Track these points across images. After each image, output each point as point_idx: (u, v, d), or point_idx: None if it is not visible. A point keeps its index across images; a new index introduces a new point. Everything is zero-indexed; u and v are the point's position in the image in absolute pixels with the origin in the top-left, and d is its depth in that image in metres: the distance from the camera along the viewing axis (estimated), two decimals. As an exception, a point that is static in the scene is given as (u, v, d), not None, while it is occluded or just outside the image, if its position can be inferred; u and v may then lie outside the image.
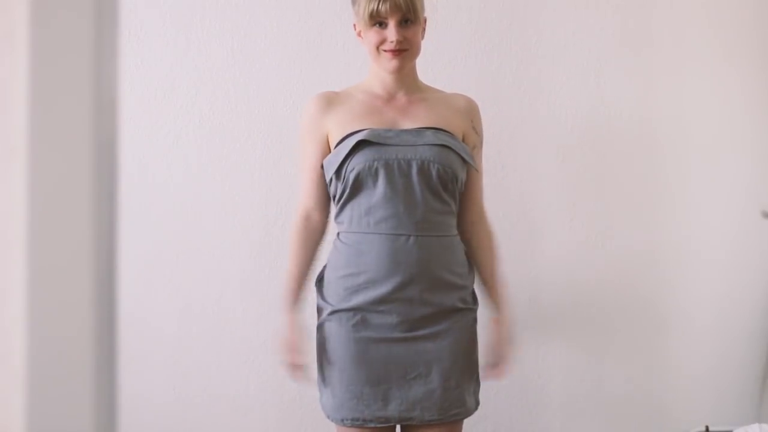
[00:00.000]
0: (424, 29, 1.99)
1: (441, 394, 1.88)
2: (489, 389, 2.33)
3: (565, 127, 2.52)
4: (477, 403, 1.97)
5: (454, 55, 2.48)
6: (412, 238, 1.87)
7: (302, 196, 1.99)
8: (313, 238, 2.00)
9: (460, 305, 1.92)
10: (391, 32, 1.89)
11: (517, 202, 2.49)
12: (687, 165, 2.57)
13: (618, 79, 2.53)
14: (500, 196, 2.41)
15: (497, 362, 1.99)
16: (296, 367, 1.94)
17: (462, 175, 1.93)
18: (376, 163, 1.86)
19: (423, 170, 1.86)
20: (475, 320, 1.96)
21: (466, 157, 1.92)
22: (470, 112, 2.01)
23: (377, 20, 1.90)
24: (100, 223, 0.72)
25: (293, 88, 2.47)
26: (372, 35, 1.92)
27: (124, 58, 2.38)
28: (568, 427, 2.53)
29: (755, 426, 2.28)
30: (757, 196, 2.58)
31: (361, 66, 2.46)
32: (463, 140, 1.98)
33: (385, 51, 1.92)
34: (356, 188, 1.89)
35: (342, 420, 1.91)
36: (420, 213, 1.87)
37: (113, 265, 0.75)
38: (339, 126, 1.94)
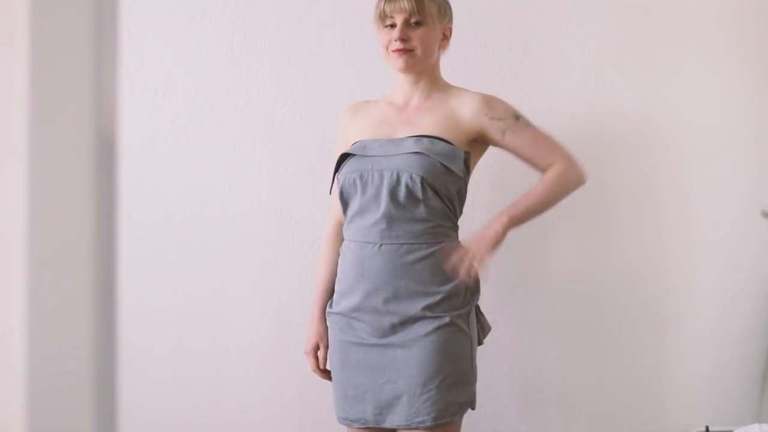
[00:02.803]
0: (446, 37, 2.03)
1: (407, 401, 1.90)
2: (489, 389, 2.33)
3: (565, 128, 2.52)
4: (455, 411, 1.91)
5: (454, 55, 2.47)
6: (376, 247, 1.92)
7: (334, 204, 2.09)
8: (339, 244, 2.08)
9: (429, 314, 1.89)
10: (396, 31, 1.95)
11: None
12: (687, 164, 2.56)
13: (618, 79, 2.53)
14: (500, 196, 2.40)
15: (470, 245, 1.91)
16: (323, 372, 2.09)
17: (445, 181, 1.91)
18: (353, 175, 1.94)
19: (392, 180, 1.90)
20: (453, 327, 1.90)
21: (448, 164, 1.91)
22: (482, 108, 1.99)
23: (387, 21, 1.96)
24: (100, 222, 0.72)
25: (293, 88, 2.47)
26: (383, 36, 1.99)
27: (124, 58, 2.38)
28: (568, 427, 2.53)
29: (755, 426, 2.28)
30: (757, 196, 2.58)
31: (361, 66, 2.47)
32: (487, 136, 1.99)
33: (392, 51, 1.97)
34: (344, 199, 1.98)
35: (337, 418, 2.03)
36: (385, 222, 1.91)
37: (113, 265, 0.75)
38: (353, 136, 2.04)
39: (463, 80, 2.29)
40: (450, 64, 2.46)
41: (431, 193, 1.91)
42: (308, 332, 2.09)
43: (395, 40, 1.94)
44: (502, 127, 1.99)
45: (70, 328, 0.71)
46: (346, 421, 2.00)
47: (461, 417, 1.96)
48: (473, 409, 1.98)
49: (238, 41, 2.46)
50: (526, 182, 2.49)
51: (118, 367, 0.76)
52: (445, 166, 1.91)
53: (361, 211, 1.94)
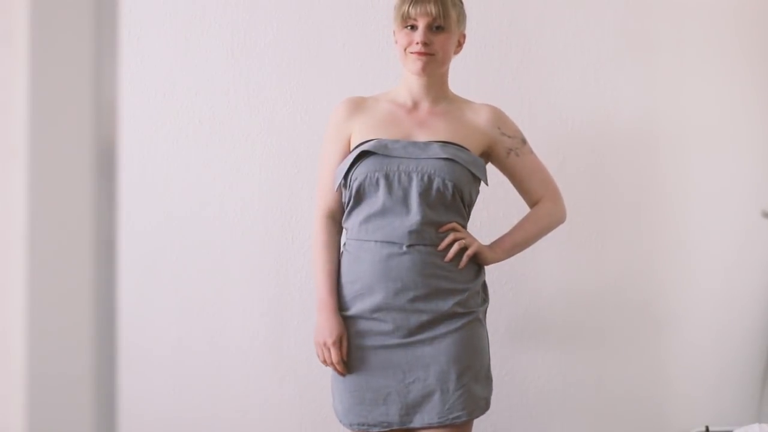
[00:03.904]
0: (460, 44, 2.03)
1: (439, 398, 1.89)
2: (489, 389, 2.33)
3: (564, 128, 2.52)
4: (486, 406, 1.96)
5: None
6: (404, 248, 1.90)
7: (323, 197, 2.03)
8: (338, 235, 2.03)
9: (459, 310, 1.92)
10: (419, 34, 1.94)
11: (517, 203, 2.48)
12: (687, 165, 2.56)
13: (618, 79, 2.53)
14: (500, 196, 2.41)
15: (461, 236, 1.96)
16: (339, 364, 1.94)
17: (470, 189, 1.96)
18: (377, 174, 1.91)
19: (423, 183, 1.90)
20: (479, 322, 1.97)
21: (476, 171, 1.95)
22: (495, 121, 2.03)
23: (408, 23, 1.95)
24: (100, 222, 0.72)
25: (293, 87, 2.47)
26: (402, 37, 1.97)
27: (124, 58, 2.39)
28: (568, 427, 2.53)
29: (755, 426, 2.29)
30: (757, 196, 2.58)
31: (361, 66, 2.47)
32: (494, 150, 2.02)
33: (411, 53, 1.95)
34: (359, 197, 1.94)
35: (350, 425, 1.96)
36: (415, 224, 1.90)
37: (113, 265, 0.75)
38: (359, 133, 2.00)
39: (464, 80, 2.30)
40: (450, 65, 2.46)
41: (458, 199, 1.94)
42: (326, 324, 1.93)
43: (417, 43, 1.93)
44: (510, 145, 2.03)
45: (70, 328, 0.71)
46: (363, 426, 1.93)
47: None
48: None
49: (238, 41, 2.46)
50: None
51: (118, 367, 0.76)
52: (473, 174, 1.95)
53: (384, 212, 1.92)
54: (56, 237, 0.70)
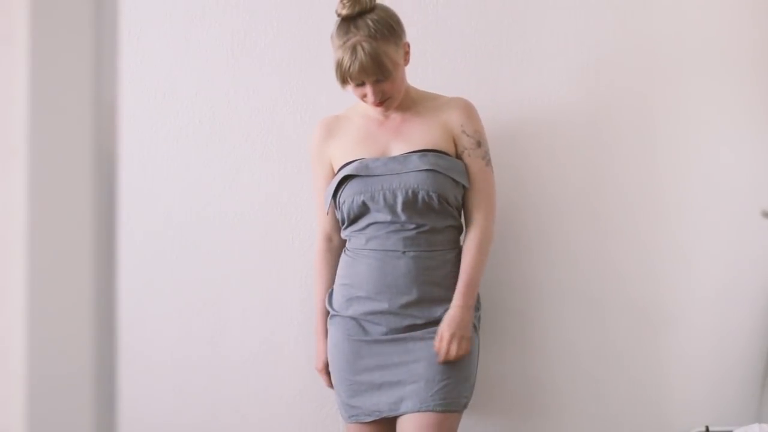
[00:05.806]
0: (407, 53, 2.01)
1: (424, 386, 1.95)
2: (489, 389, 2.33)
3: (564, 127, 2.52)
4: (464, 404, 2.02)
5: (453, 55, 2.47)
6: (399, 254, 1.98)
7: (320, 218, 2.14)
8: (337, 257, 2.12)
9: None
10: (369, 94, 1.94)
11: (517, 203, 2.49)
12: (687, 164, 2.56)
13: (618, 79, 2.53)
14: (499, 197, 2.40)
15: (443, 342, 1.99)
16: (330, 387, 2.15)
17: (454, 193, 2.00)
18: (362, 196, 1.98)
19: (408, 198, 1.95)
20: (471, 326, 2.02)
21: (456, 177, 1.99)
22: (460, 116, 2.04)
23: (354, 83, 1.94)
24: (100, 223, 0.72)
25: (293, 87, 2.47)
26: (352, 90, 1.97)
27: (124, 58, 2.38)
28: (568, 427, 2.53)
29: (755, 426, 2.29)
30: (757, 196, 2.58)
31: (361, 66, 2.46)
32: (456, 144, 2.04)
33: (368, 103, 1.98)
34: (350, 217, 2.02)
35: (349, 417, 2.05)
36: (407, 233, 1.97)
37: (113, 265, 0.75)
38: (339, 153, 2.06)
39: (464, 80, 2.30)
40: (451, 64, 2.46)
41: (446, 205, 1.98)
42: (316, 350, 2.16)
43: (372, 101, 1.95)
44: (465, 144, 2.04)
45: (70, 329, 0.71)
46: (360, 417, 2.02)
47: (461, 415, 2.01)
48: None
49: (238, 41, 2.46)
50: (526, 183, 2.49)
51: (118, 368, 0.76)
52: (455, 181, 1.99)
53: (377, 225, 1.99)
54: (56, 237, 0.70)
